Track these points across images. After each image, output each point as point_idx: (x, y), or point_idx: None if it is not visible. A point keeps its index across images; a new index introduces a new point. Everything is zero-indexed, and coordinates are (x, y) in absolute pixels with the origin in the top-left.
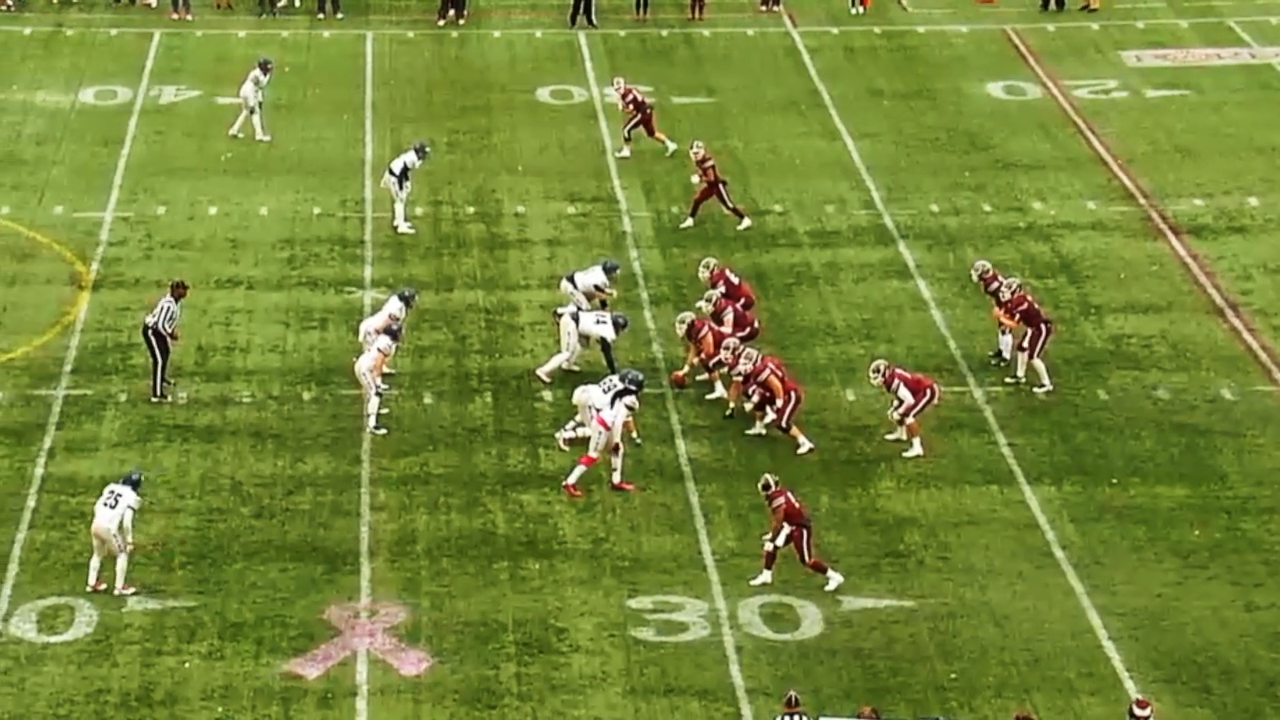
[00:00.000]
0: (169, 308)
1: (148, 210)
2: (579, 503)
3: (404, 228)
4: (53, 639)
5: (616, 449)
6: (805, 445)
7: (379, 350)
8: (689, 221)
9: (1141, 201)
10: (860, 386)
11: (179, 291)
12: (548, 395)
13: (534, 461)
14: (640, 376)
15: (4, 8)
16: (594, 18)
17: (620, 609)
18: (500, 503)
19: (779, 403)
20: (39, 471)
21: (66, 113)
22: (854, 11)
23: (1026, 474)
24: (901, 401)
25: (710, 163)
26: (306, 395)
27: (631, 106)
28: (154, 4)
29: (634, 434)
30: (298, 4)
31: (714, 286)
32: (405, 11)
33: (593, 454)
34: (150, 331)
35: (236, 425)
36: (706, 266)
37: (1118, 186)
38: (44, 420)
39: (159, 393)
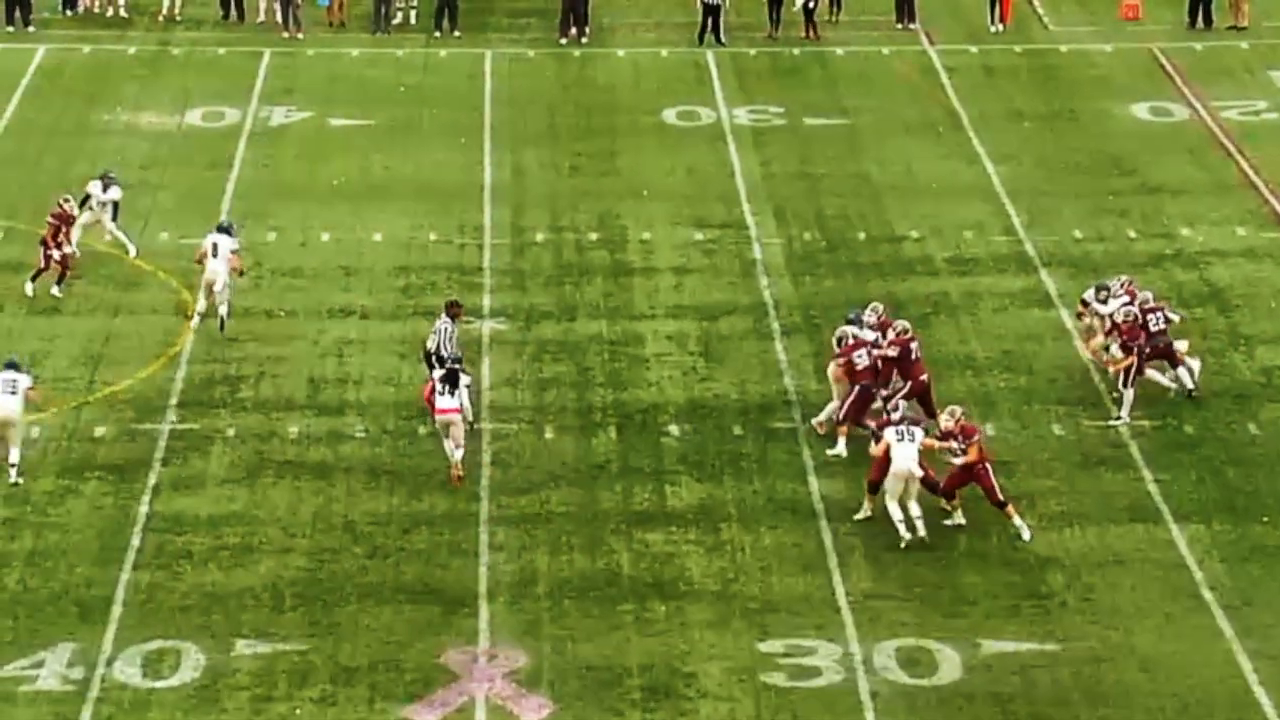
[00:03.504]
0: (447, 328)
1: (257, 237)
2: (707, 542)
3: (133, 251)
4: (158, 684)
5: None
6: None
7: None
8: None
9: None
10: (1001, 420)
11: (454, 310)
12: (674, 429)
13: (660, 499)
14: (457, 354)
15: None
16: (723, 36)
17: (750, 653)
18: (625, 542)
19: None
20: (143, 509)
21: (172, 135)
22: (993, 29)
23: (1174, 512)
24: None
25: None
26: (422, 430)
27: None
28: (263, 18)
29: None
30: (413, 21)
31: (880, 331)
32: (525, 29)
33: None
34: (433, 357)
35: (350, 461)
36: (875, 310)
37: (1268, 212)
38: (149, 456)
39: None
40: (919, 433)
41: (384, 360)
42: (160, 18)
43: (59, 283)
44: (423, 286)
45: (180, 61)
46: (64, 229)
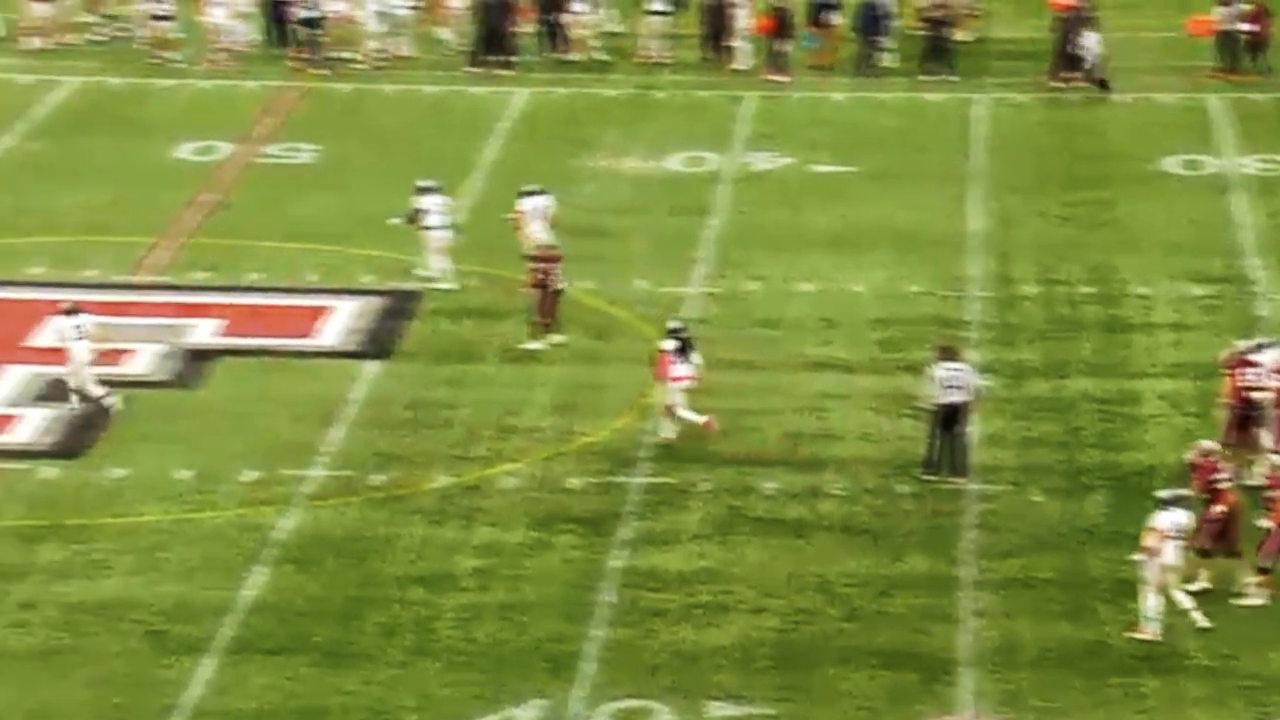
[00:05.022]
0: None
1: (736, 286)
2: (1203, 613)
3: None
4: None
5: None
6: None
7: None
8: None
9: None
10: None
11: (952, 353)
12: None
13: None
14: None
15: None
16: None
17: None
18: (1115, 612)
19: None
20: (615, 564)
21: (652, 180)
22: None
23: None
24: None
25: None
26: (902, 489)
27: None
28: (747, 68)
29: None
30: (896, 64)
31: None
32: (1018, 73)
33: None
34: (954, 410)
35: (827, 519)
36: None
37: None
38: (621, 509)
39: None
40: (1184, 519)
41: (863, 415)
42: (638, 59)
43: (545, 330)
44: (904, 340)
45: (662, 105)
46: (551, 271)
